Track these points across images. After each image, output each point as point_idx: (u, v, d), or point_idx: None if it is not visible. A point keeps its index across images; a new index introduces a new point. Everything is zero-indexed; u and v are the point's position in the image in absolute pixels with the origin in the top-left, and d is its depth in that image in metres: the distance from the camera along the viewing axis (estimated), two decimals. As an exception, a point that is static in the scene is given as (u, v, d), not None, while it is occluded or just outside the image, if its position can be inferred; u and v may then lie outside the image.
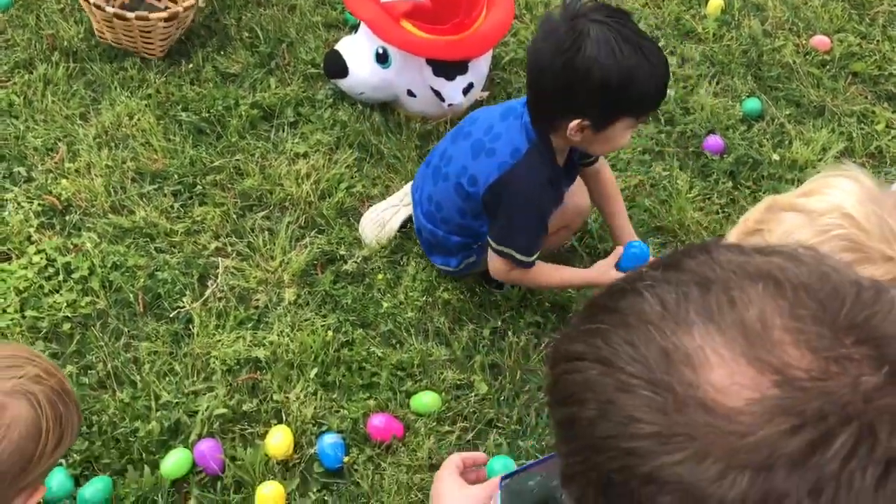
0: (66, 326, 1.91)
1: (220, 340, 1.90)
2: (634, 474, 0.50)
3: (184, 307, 1.95)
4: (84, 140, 2.24)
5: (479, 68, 2.36)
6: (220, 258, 2.05)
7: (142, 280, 1.98)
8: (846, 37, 2.75)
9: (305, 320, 1.96)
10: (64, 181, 2.14)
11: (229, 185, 2.19)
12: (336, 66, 2.33)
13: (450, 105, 2.31)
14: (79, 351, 1.88)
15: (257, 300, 2.00)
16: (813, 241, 0.92)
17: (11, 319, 1.90)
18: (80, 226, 2.08)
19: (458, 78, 2.31)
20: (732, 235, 1.06)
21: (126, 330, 1.92)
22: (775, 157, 2.36)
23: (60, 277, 1.97)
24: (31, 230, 2.05)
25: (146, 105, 2.32)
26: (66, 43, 2.45)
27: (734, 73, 2.60)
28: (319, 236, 2.11)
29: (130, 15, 2.30)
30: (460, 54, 2.28)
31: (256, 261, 2.06)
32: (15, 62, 2.40)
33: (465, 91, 2.32)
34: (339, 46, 2.35)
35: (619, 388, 0.51)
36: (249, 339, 1.91)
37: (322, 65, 2.39)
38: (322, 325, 1.94)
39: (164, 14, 2.33)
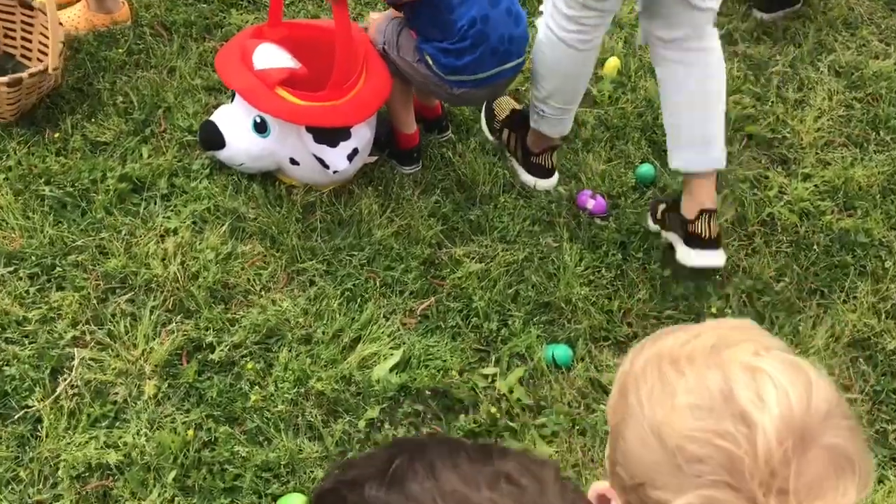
0: None
1: (70, 442, 1.76)
2: None
3: (32, 406, 1.81)
4: (-67, 217, 2.09)
5: (363, 133, 2.27)
6: (76, 348, 1.91)
7: (-14, 377, 1.83)
8: (742, 98, 2.74)
9: (166, 416, 1.83)
10: None
11: (91, 267, 2.05)
12: (212, 138, 2.22)
13: (335, 172, 2.22)
14: (-89, 459, 1.72)
15: (115, 394, 1.86)
16: (696, 434, 0.73)
17: None
18: (-80, 316, 1.92)
19: (342, 144, 2.22)
20: (613, 393, 0.87)
21: (-34, 434, 1.77)
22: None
23: None
24: None
25: (4, 178, 2.17)
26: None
27: (628, 138, 2.57)
28: (187, 321, 1.99)
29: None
30: (341, 121, 2.19)
31: (117, 350, 1.92)
32: None
33: (350, 157, 2.23)
34: (214, 117, 2.24)
35: None
36: (103, 439, 1.77)
37: (198, 137, 2.28)
38: (184, 423, 1.81)
39: (5, 79, 2.19)
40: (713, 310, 2.17)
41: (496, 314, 2.08)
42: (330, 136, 2.20)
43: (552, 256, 2.22)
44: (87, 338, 1.94)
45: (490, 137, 2.49)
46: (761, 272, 2.27)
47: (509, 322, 2.07)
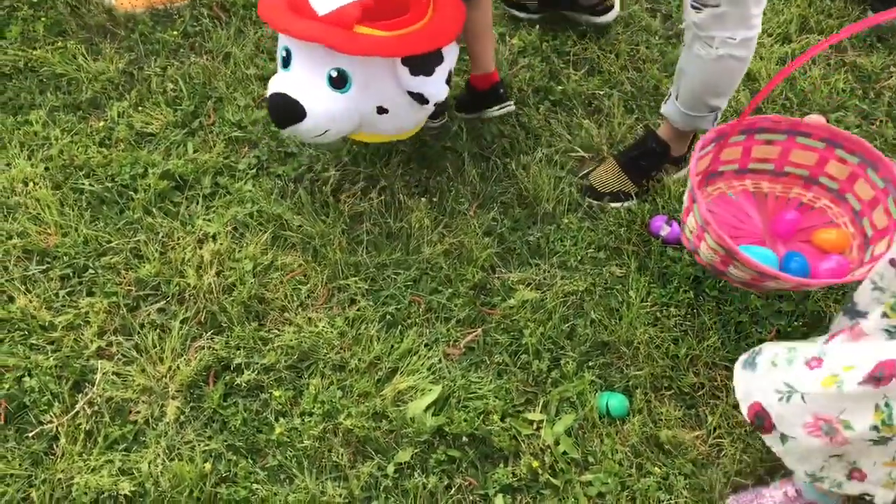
0: (-86, 439, 1.69)
1: (84, 465, 1.67)
2: None
3: (50, 423, 1.73)
4: (-30, 208, 2.02)
5: (452, 50, 2.03)
6: (100, 360, 1.82)
7: (7, 386, 1.76)
8: (845, 115, 2.45)
9: (186, 443, 1.73)
10: (-62, 259, 1.92)
11: (124, 271, 1.95)
12: (290, 111, 1.88)
13: (435, 104, 1.99)
14: (-75, 469, 1.67)
15: (136, 413, 1.77)
16: None
17: None
18: (-52, 315, 1.85)
19: (438, 69, 1.97)
20: None
21: (-18, 446, 1.70)
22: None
23: (-86, 380, 1.76)
24: None
25: (45, 169, 2.09)
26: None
27: (713, 155, 2.32)
28: (217, 338, 1.88)
29: None
30: (441, 40, 1.93)
31: (142, 364, 1.82)
32: None
33: (448, 80, 2.01)
34: (279, 88, 1.91)
35: None
36: (119, 464, 1.68)
37: (271, 116, 1.94)
38: (203, 451, 1.71)
39: None
40: (792, 363, 1.94)
41: (548, 352, 1.90)
42: (425, 63, 1.93)
43: (616, 289, 2.02)
44: (113, 349, 1.85)
45: None
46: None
47: (562, 362, 1.89)
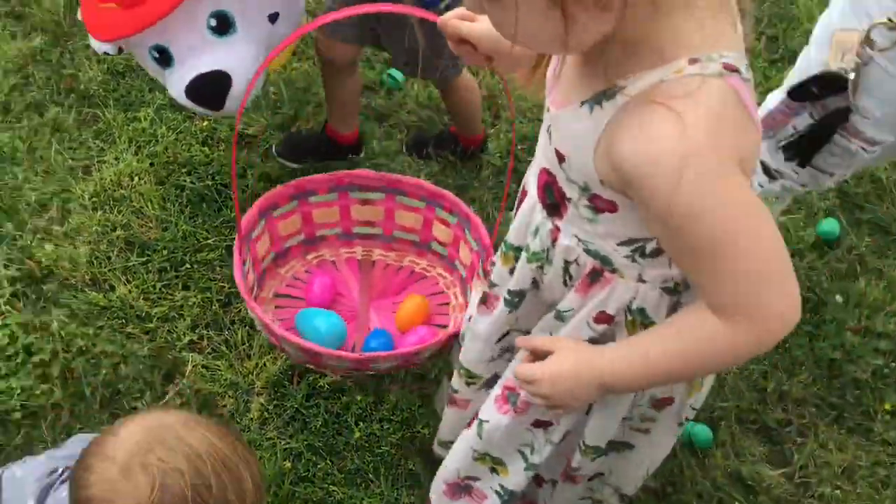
0: (16, 416, 1.78)
1: (171, 453, 1.73)
2: None
3: (141, 410, 1.79)
4: (80, 199, 2.11)
5: None
6: (192, 353, 1.88)
7: (104, 372, 1.83)
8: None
9: (268, 439, 1.77)
10: (48, 246, 2.01)
11: (219, 268, 2.01)
12: (220, 84, 1.71)
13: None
14: (25, 445, 1.75)
15: (223, 406, 1.82)
16: None
17: (-40, 402, 1.78)
18: (54, 299, 1.94)
19: None
20: None
21: (77, 428, 1.77)
22: (838, 298, 2.02)
23: (20, 359, 1.84)
24: (2, 300, 1.92)
25: (150, 165, 2.17)
26: (82, 86, 2.32)
27: (813, 185, 2.25)
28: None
29: None
30: None
31: (230, 360, 1.87)
32: (27, 103, 2.29)
33: None
34: (196, 72, 1.71)
35: None
36: (203, 455, 1.73)
37: (199, 103, 1.76)
38: (284, 449, 1.74)
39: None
40: (887, 406, 1.87)
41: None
42: None
43: (704, 316, 1.98)
44: (204, 343, 1.90)
45: None
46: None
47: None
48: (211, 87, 1.71)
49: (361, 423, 1.78)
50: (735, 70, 0.85)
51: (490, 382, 1.35)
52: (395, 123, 2.36)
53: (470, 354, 1.34)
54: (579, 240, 1.04)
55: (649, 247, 0.99)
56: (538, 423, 1.25)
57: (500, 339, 1.29)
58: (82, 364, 1.84)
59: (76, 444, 1.26)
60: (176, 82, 1.75)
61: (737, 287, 0.91)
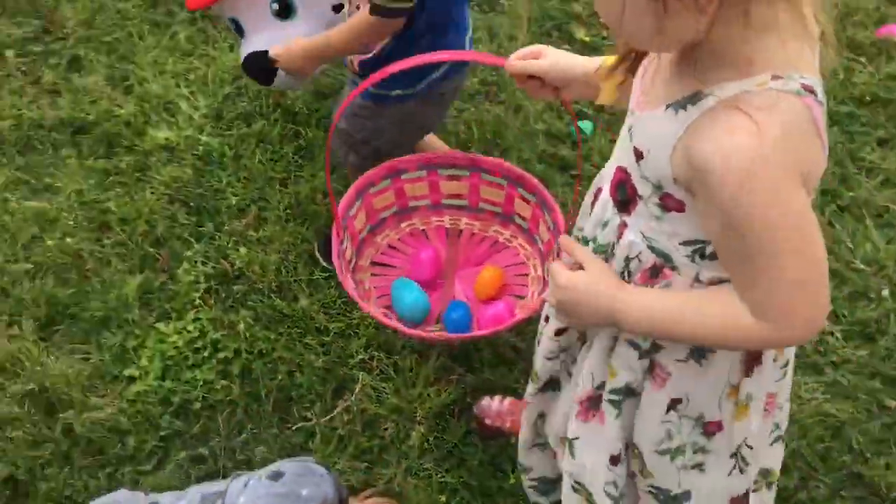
0: (197, 406, 1.89)
1: (334, 467, 1.80)
2: None
3: (310, 420, 1.87)
4: (276, 208, 2.23)
5: None
6: (362, 372, 1.95)
7: (279, 377, 1.93)
8: None
9: (424, 469, 1.81)
10: (242, 249, 2.14)
11: (396, 293, 2.08)
12: (265, 67, 1.87)
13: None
14: (200, 435, 1.86)
15: (385, 429, 1.88)
16: None
17: (149, 385, 1.91)
18: (242, 301, 2.06)
19: None
20: None
21: (249, 427, 1.87)
22: None
23: (206, 353, 1.96)
24: (197, 295, 2.06)
25: (344, 186, 2.27)
26: (289, 102, 2.46)
27: None
28: (469, 375, 1.95)
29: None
30: None
31: (397, 385, 1.93)
32: (238, 113, 2.45)
33: None
34: (253, 49, 1.88)
35: None
36: (363, 476, 1.79)
37: (252, 76, 1.94)
38: (440, 482, 1.78)
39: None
40: None
41: (797, 470, 1.82)
42: None
43: (884, 420, 1.90)
44: (374, 363, 1.97)
45: None
46: None
47: (810, 485, 1.80)
48: (257, 65, 1.88)
49: (517, 470, 1.80)
50: (812, 91, 0.92)
51: (545, 386, 1.42)
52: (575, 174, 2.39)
53: (539, 346, 1.41)
54: (644, 236, 1.10)
55: (709, 249, 1.04)
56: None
57: (559, 333, 1.33)
58: (260, 366, 1.95)
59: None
60: (241, 55, 1.94)
61: (772, 291, 0.97)
